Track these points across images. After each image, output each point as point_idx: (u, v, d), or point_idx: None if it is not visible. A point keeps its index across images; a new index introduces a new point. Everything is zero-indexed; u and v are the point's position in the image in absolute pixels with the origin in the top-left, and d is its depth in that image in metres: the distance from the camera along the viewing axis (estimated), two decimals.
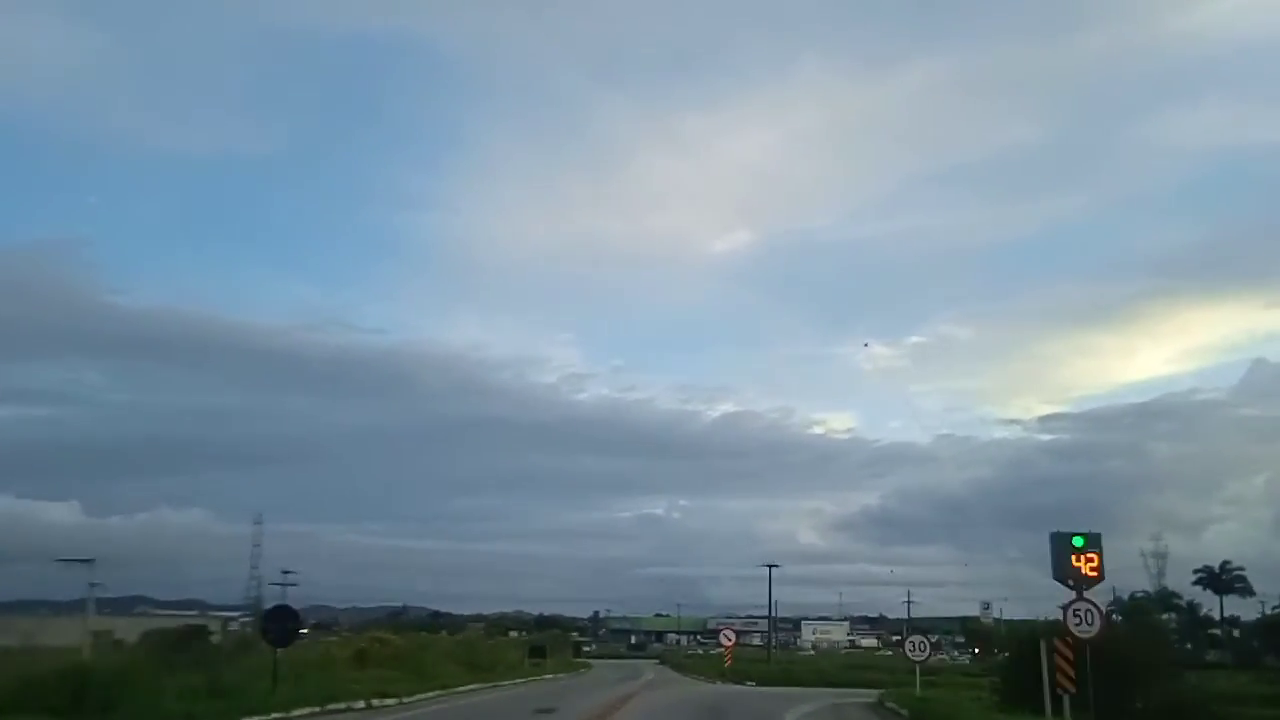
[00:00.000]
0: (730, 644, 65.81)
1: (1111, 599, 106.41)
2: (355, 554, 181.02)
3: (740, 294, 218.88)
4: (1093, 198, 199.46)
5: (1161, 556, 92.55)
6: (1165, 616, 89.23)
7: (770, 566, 79.66)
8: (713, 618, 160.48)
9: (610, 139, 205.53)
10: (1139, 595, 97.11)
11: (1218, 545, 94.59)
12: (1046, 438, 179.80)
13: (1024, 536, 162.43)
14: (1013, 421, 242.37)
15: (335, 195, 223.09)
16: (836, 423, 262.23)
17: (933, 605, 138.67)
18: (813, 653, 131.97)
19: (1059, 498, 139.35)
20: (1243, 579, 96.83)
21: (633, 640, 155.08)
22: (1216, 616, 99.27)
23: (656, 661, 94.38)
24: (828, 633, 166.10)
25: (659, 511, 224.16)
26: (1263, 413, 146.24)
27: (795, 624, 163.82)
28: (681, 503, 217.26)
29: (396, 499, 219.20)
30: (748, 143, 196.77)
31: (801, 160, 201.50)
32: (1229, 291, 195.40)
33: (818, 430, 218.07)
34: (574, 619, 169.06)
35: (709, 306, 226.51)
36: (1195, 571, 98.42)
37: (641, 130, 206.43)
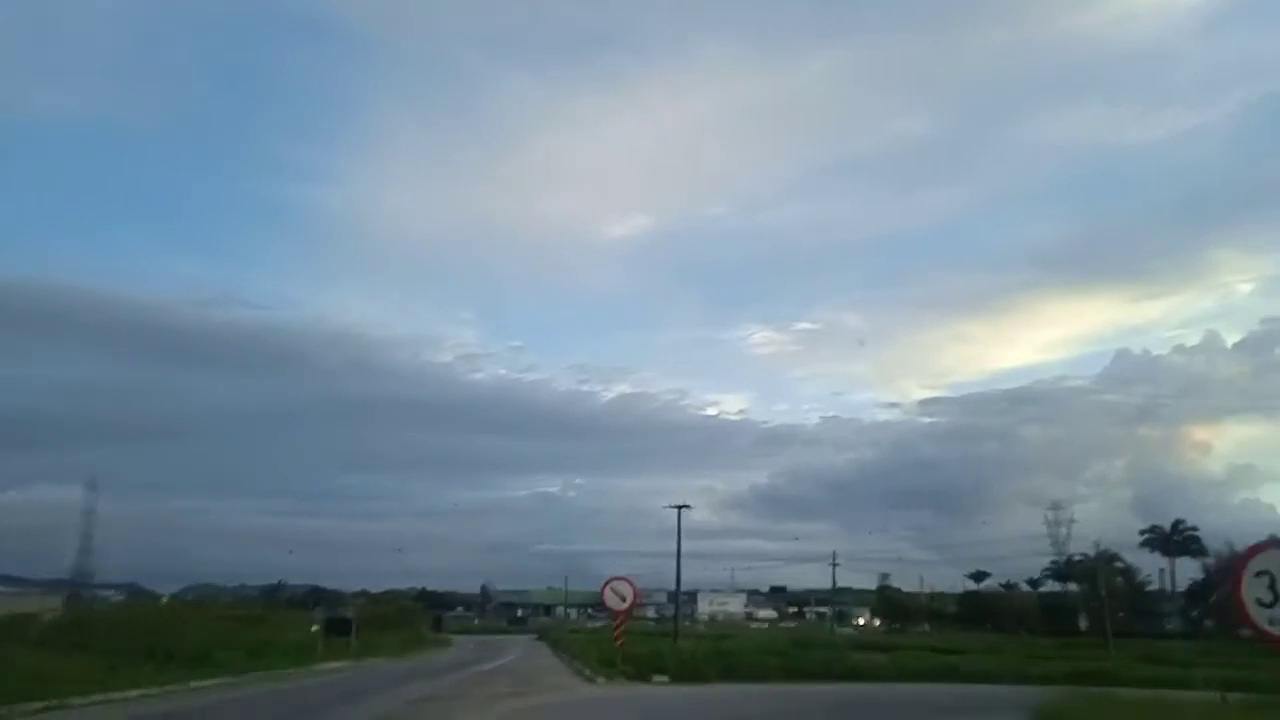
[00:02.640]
0: (623, 610, 30.97)
1: (1053, 561, 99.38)
2: (243, 531, 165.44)
3: (638, 277, 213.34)
4: (975, 191, 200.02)
5: (1066, 524, 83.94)
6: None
7: (679, 508, 62.52)
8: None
9: (510, 118, 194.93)
10: (1079, 559, 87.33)
11: (1082, 525, 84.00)
12: (926, 420, 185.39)
13: (905, 514, 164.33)
14: (894, 405, 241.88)
15: (225, 165, 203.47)
16: (729, 404, 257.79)
17: (815, 579, 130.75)
18: (703, 625, 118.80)
19: (937, 478, 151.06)
20: (1196, 539, 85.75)
21: (519, 614, 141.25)
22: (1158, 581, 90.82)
23: (535, 636, 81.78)
24: (725, 604, 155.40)
25: (554, 490, 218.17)
26: (1124, 399, 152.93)
27: (691, 595, 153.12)
28: (577, 481, 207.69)
29: (287, 477, 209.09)
30: (647, 126, 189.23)
31: (700, 146, 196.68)
32: (1098, 285, 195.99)
33: (711, 411, 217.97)
34: (464, 594, 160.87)
35: (607, 289, 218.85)
36: (1142, 532, 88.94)
37: (541, 110, 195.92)
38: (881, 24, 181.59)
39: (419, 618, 77.58)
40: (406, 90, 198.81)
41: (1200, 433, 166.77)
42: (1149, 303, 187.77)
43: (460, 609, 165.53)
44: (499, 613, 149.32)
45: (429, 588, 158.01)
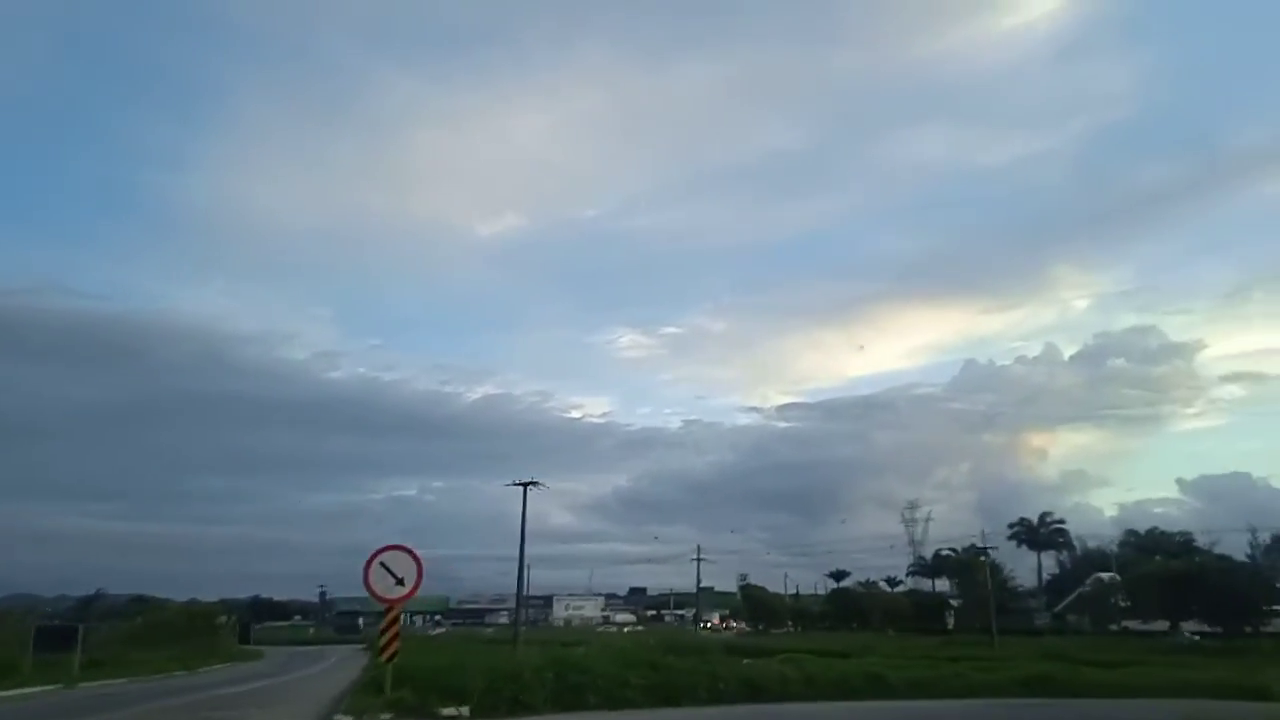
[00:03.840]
0: (394, 600, 17.41)
1: (911, 560, 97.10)
2: (74, 536, 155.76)
3: (506, 278, 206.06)
4: (839, 205, 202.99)
5: (923, 522, 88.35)
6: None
7: (526, 485, 52.88)
8: (454, 597, 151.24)
9: (382, 112, 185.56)
10: (947, 553, 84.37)
11: (936, 525, 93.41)
12: (784, 425, 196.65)
13: (764, 516, 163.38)
14: (754, 409, 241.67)
15: (61, 144, 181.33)
16: (593, 407, 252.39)
17: (675, 580, 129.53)
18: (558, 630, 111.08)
19: (795, 481, 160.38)
20: (1063, 531, 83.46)
21: (359, 623, 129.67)
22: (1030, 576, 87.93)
23: (363, 646, 69.83)
24: (580, 608, 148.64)
25: (411, 493, 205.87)
26: (970, 407, 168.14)
27: (547, 600, 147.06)
28: (435, 484, 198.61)
29: (126, 478, 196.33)
30: (523, 126, 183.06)
31: (575, 148, 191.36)
32: (949, 298, 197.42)
33: (575, 414, 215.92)
34: (305, 601, 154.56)
35: (473, 289, 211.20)
36: (1010, 525, 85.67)
37: (415, 105, 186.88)
38: (754, 39, 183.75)
39: (223, 628, 65.22)
40: (275, 80, 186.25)
41: (1038, 439, 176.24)
42: (995, 315, 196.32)
43: (298, 617, 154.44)
44: (340, 621, 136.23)
45: (266, 595, 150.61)
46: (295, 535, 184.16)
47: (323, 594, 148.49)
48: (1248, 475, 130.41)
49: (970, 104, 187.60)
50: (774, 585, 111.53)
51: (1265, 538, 76.83)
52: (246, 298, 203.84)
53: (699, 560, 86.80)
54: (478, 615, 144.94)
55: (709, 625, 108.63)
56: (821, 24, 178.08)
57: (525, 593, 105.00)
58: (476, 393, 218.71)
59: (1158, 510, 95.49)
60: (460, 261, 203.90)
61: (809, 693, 20.27)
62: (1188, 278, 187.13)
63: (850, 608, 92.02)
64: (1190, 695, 23.64)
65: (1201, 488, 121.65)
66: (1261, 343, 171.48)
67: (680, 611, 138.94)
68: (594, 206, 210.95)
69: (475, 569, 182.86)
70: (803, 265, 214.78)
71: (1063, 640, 59.18)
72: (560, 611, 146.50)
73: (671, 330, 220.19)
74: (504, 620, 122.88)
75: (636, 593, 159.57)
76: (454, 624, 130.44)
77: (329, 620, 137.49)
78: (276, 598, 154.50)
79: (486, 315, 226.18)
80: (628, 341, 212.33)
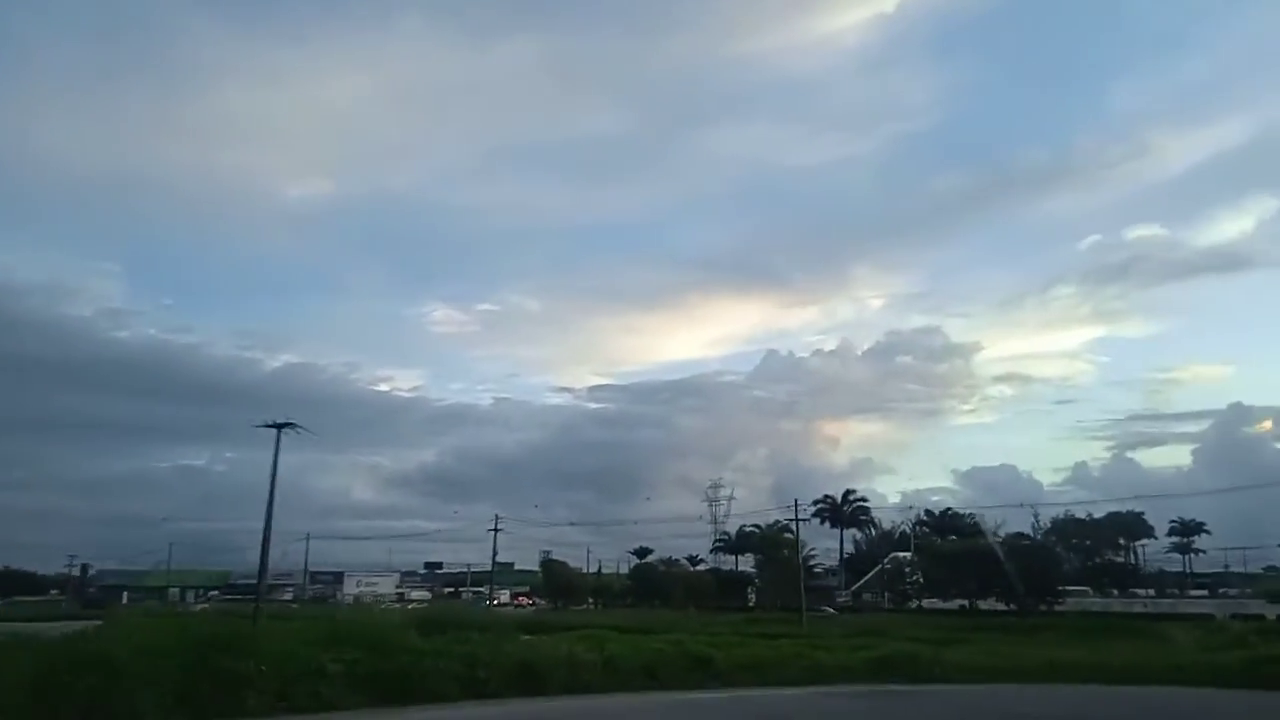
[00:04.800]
0: None
1: (715, 537, 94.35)
2: None
3: (315, 243, 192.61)
4: (656, 193, 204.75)
5: (725, 502, 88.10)
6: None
7: (279, 426, 44.19)
8: (240, 571, 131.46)
9: (189, 63, 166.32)
10: (751, 529, 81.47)
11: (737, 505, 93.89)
12: (594, 406, 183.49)
13: (571, 495, 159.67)
14: (566, 390, 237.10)
15: None
16: (402, 380, 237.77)
17: (477, 557, 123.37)
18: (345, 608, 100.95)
19: (603, 461, 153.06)
20: (866, 509, 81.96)
21: (124, 598, 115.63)
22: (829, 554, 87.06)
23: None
24: (374, 585, 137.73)
25: (201, 463, 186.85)
26: (770, 395, 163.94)
27: (337, 576, 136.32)
28: (228, 454, 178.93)
29: None
30: (340, 89, 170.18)
31: (393, 116, 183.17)
32: (756, 290, 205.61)
33: (383, 387, 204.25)
34: (64, 575, 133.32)
35: (280, 252, 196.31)
36: (815, 503, 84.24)
37: (225, 59, 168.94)
38: (579, 22, 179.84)
39: None
40: (75, 23, 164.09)
41: (831, 428, 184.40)
42: (797, 309, 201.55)
43: (54, 591, 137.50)
44: (101, 596, 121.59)
45: (15, 566, 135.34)
46: (67, 503, 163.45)
47: (83, 567, 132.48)
48: (1014, 468, 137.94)
49: (786, 104, 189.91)
50: (578, 563, 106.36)
51: (1046, 521, 78.94)
52: (22, 247, 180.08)
53: (495, 530, 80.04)
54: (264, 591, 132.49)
55: (497, 601, 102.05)
56: (646, 13, 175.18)
57: (306, 567, 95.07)
58: (278, 360, 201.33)
59: (934, 498, 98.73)
60: (266, 223, 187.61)
61: (609, 681, 14.12)
62: (970, 284, 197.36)
63: (652, 584, 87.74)
64: (1061, 677, 19.25)
65: (973, 478, 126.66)
66: (1030, 348, 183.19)
67: (480, 589, 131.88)
68: (411, 177, 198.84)
69: (268, 545, 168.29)
70: (619, 249, 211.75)
71: (880, 618, 57.04)
72: (351, 588, 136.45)
73: (486, 307, 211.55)
74: (287, 597, 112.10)
75: (432, 567, 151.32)
76: (228, 599, 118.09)
77: (89, 595, 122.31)
78: (39, 571, 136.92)
79: (293, 281, 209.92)
80: (441, 316, 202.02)
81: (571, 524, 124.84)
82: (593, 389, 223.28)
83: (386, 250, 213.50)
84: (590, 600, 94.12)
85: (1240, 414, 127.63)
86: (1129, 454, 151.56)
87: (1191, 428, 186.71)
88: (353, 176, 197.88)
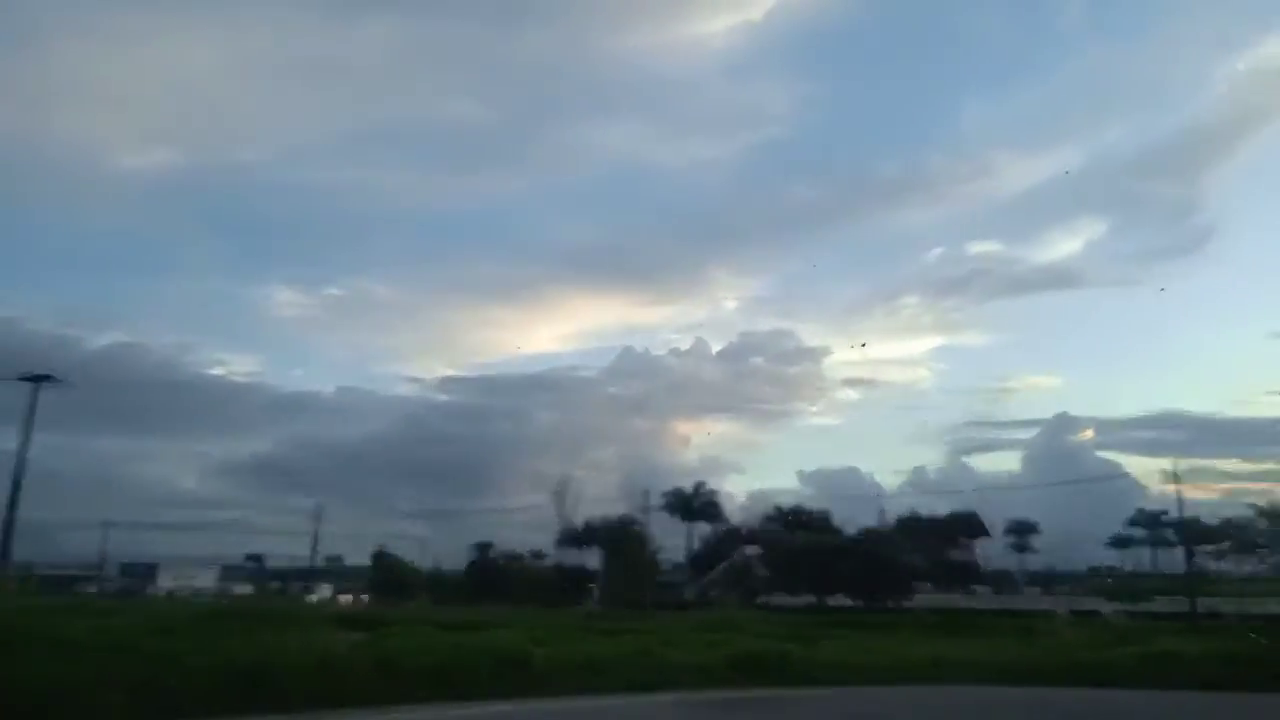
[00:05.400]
0: None
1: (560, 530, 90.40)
2: None
3: (150, 217, 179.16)
4: (518, 184, 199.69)
5: (571, 495, 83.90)
6: None
7: (37, 379, 38.00)
8: (41, 562, 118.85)
9: (25, 19, 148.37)
10: (598, 524, 77.90)
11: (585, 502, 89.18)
12: (444, 398, 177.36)
13: (415, 488, 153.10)
14: (415, 380, 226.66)
15: None
16: (240, 365, 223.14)
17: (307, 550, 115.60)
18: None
19: (450, 454, 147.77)
20: (715, 504, 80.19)
21: None
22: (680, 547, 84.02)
23: None
24: (192, 578, 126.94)
25: (12, 446, 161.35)
26: (624, 392, 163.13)
27: (151, 569, 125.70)
28: (43, 439, 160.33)
29: None
30: (187, 57, 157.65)
31: (244, 89, 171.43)
32: (615, 287, 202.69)
33: (218, 371, 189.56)
34: None
35: (110, 224, 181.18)
36: (664, 495, 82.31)
37: (63, 16, 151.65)
38: (445, 5, 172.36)
39: None
40: None
41: (684, 426, 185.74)
42: (654, 308, 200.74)
43: None
44: None
45: None
46: None
47: None
48: (856, 469, 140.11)
49: (651, 103, 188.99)
50: (417, 558, 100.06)
51: (891, 520, 78.75)
52: None
53: (316, 524, 73.77)
54: (66, 583, 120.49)
55: (318, 597, 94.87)
56: (513, 2, 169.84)
57: (104, 559, 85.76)
58: (104, 339, 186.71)
59: (780, 498, 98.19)
60: (98, 193, 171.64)
61: (381, 689, 9.74)
62: (822, 289, 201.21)
63: (490, 579, 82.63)
64: (950, 676, 16.03)
65: (817, 479, 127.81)
66: (875, 354, 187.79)
67: (308, 582, 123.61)
68: (259, 153, 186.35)
69: (84, 535, 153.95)
70: (477, 240, 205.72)
71: (731, 614, 54.01)
72: (167, 582, 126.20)
73: (334, 291, 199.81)
74: (92, 590, 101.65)
75: (254, 560, 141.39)
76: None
77: None
78: None
79: (124, 255, 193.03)
80: (285, 299, 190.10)
81: (406, 515, 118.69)
82: (443, 380, 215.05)
83: (229, 228, 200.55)
84: (425, 595, 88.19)
85: (1066, 423, 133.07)
86: (964, 458, 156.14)
87: (1022, 435, 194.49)
88: (197, 149, 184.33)
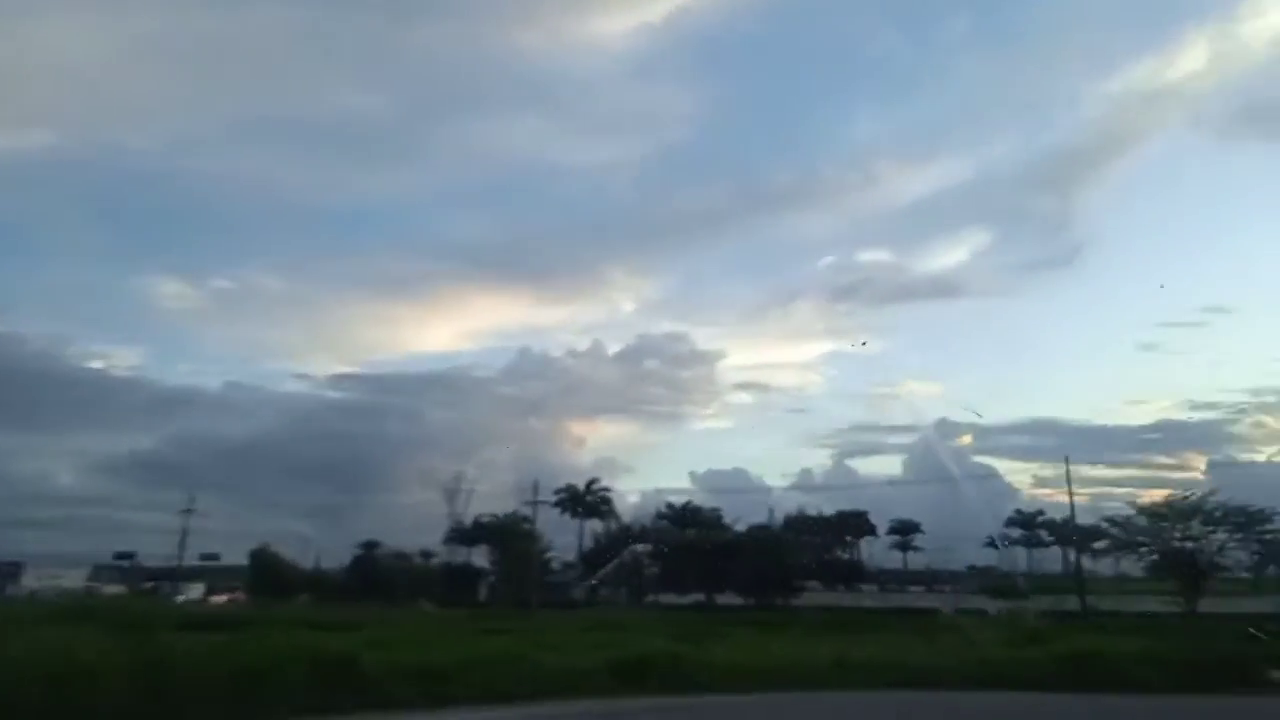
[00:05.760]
0: None
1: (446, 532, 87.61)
2: None
3: (24, 201, 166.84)
4: (416, 179, 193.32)
5: (463, 493, 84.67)
6: None
7: None
8: None
9: None
10: (488, 519, 75.46)
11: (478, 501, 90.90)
12: (336, 395, 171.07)
13: (302, 486, 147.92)
14: (305, 376, 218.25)
15: None
16: (121, 358, 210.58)
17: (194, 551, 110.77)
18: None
19: (340, 451, 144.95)
20: (608, 500, 78.47)
21: None
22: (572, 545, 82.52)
23: None
24: (58, 578, 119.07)
25: None
26: (521, 393, 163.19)
27: (16, 567, 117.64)
28: None
29: None
30: (69, 35, 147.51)
31: (130, 72, 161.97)
32: (513, 286, 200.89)
33: (97, 364, 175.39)
34: None
35: None
36: (556, 492, 79.99)
37: None
38: None
39: None
40: None
41: (579, 427, 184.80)
42: (552, 308, 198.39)
43: None
44: None
45: None
46: None
47: None
48: (746, 472, 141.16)
49: (550, 102, 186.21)
50: (301, 557, 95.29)
51: (780, 518, 79.19)
52: None
53: (188, 511, 69.17)
54: None
55: (187, 597, 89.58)
56: None
57: None
58: None
59: (672, 498, 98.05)
60: None
61: (145, 709, 7.37)
62: (718, 293, 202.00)
63: (375, 578, 78.95)
64: (858, 681, 14.39)
65: (709, 480, 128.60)
66: (768, 358, 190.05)
67: (188, 582, 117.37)
68: (145, 138, 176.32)
69: None
70: (373, 235, 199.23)
71: (618, 613, 52.38)
72: (31, 581, 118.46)
73: (222, 284, 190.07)
74: None
75: (124, 558, 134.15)
76: None
77: None
78: None
79: None
80: (170, 290, 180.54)
81: (293, 513, 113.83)
82: (335, 377, 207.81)
83: (111, 215, 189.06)
84: (307, 595, 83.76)
85: (945, 428, 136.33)
86: (849, 461, 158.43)
87: (903, 439, 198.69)
88: (77, 132, 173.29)
